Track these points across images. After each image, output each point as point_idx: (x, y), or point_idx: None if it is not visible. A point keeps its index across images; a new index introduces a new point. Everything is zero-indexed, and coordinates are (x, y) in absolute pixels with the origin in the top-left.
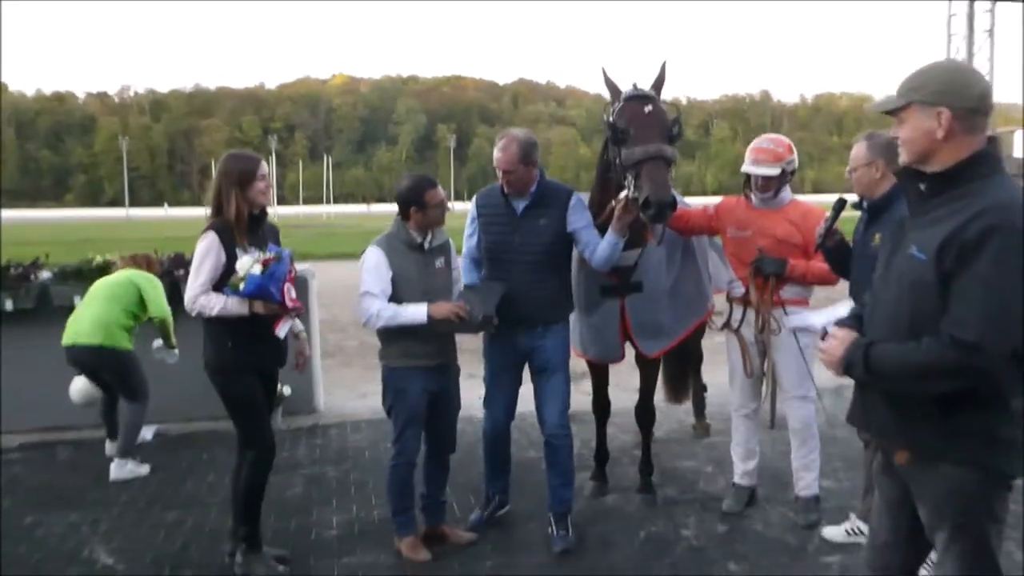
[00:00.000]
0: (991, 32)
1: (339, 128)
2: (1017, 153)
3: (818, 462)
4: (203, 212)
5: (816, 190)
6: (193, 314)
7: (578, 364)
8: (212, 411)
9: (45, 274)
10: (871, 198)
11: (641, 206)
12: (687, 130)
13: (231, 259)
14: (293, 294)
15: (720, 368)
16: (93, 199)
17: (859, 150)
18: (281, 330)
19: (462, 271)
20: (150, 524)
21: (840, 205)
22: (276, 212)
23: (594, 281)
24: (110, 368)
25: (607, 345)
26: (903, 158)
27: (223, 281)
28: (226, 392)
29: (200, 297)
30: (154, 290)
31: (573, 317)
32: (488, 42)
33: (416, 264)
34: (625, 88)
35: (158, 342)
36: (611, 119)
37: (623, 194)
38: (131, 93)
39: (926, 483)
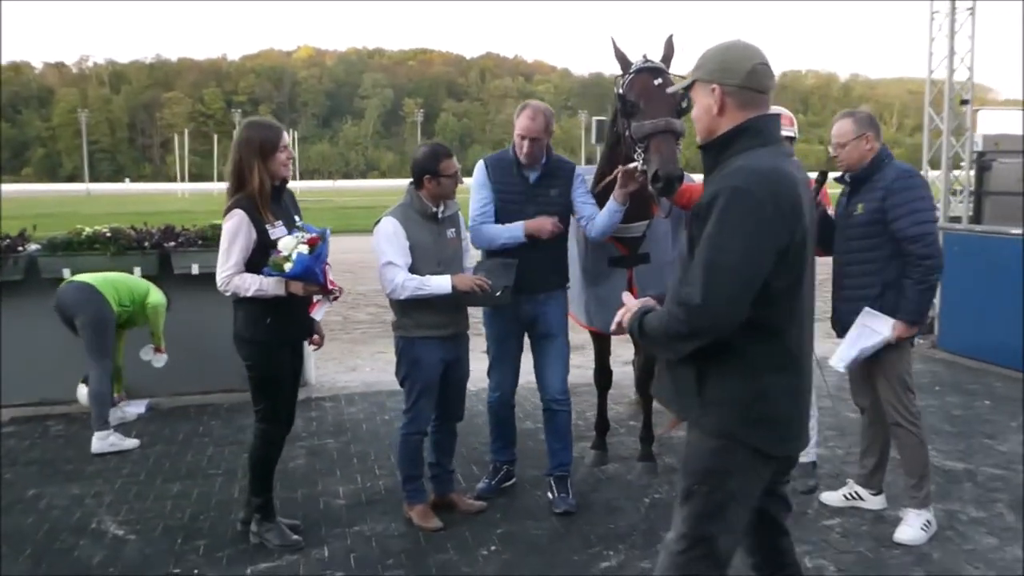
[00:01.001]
0: (972, 11)
1: (304, 102)
2: (985, 131)
3: (816, 429)
4: (165, 187)
5: None
6: (227, 295)
7: (574, 337)
8: (202, 385)
9: (33, 246)
10: (855, 171)
11: (651, 180)
12: None
13: (261, 235)
14: (331, 275)
15: None
16: (52, 173)
17: (845, 125)
18: (318, 312)
19: (471, 237)
20: (155, 496)
21: (823, 178)
22: None
23: (602, 252)
24: (89, 313)
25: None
26: (697, 138)
27: (255, 258)
28: (257, 365)
29: (234, 278)
30: (159, 295)
31: (578, 287)
32: (454, 15)
33: (431, 233)
34: (635, 59)
35: (147, 348)
36: (621, 91)
37: (632, 165)
38: (90, 64)
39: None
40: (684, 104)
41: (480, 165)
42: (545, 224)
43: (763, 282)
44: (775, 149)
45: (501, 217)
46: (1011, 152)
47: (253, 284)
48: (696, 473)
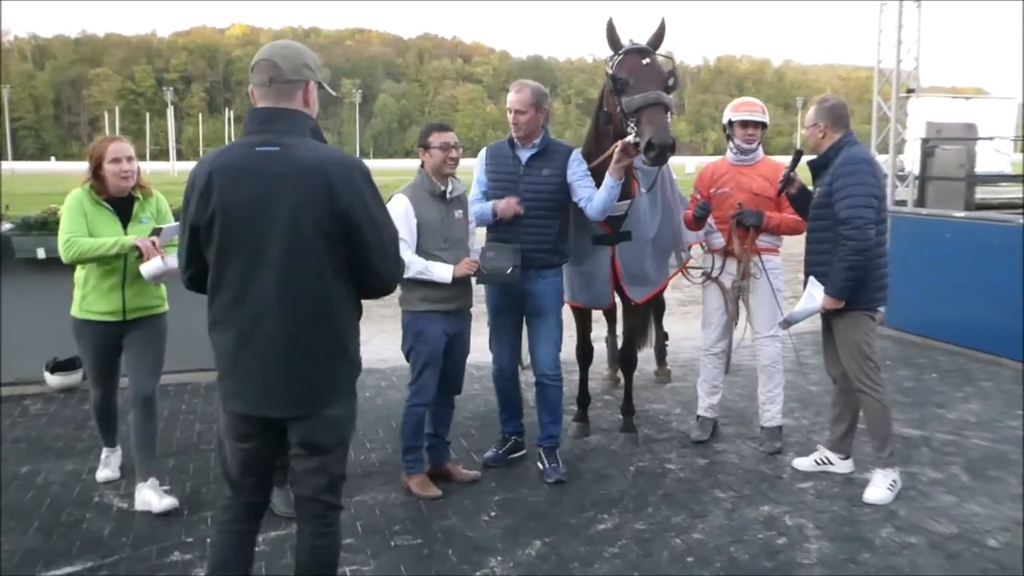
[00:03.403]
0: (919, 4)
1: (238, 81)
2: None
3: (782, 396)
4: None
5: (717, 152)
6: None
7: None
8: (179, 364)
9: (6, 226)
10: (817, 155)
11: (644, 149)
12: (593, 91)
13: None
14: None
15: (676, 318)
16: None
17: (810, 112)
18: None
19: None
20: None
21: (798, 156)
22: (175, 167)
23: (586, 231)
24: None
25: (597, 292)
26: None
27: None
28: None
29: None
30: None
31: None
32: None
33: (438, 212)
34: (624, 42)
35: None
36: (612, 71)
37: (627, 138)
38: (11, 38)
39: None
40: (671, 82)
41: (481, 152)
42: (509, 207)
43: (197, 250)
44: (242, 141)
45: (494, 196)
46: (952, 139)
47: None
48: None
